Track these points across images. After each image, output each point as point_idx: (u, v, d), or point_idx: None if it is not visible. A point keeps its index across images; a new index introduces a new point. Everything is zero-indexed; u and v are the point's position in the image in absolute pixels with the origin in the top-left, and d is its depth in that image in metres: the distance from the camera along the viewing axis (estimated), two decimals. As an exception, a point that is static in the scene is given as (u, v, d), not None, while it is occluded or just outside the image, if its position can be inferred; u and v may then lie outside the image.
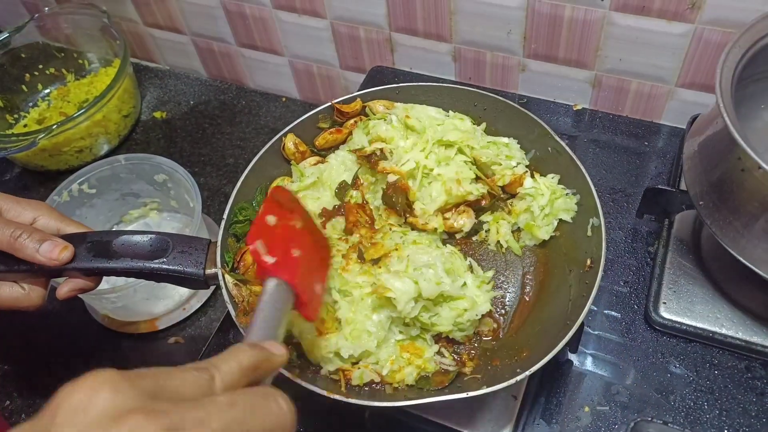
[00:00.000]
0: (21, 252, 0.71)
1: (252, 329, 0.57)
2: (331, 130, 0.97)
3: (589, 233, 0.83)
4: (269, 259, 0.63)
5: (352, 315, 0.77)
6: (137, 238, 0.78)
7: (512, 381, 0.69)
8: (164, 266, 0.77)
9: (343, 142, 0.98)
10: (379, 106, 0.97)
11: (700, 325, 0.91)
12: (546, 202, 0.87)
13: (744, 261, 0.80)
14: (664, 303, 0.93)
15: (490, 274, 0.85)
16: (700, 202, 0.84)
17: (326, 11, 1.25)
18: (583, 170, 0.86)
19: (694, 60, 1.04)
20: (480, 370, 0.80)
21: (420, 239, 0.85)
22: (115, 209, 1.21)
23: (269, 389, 0.44)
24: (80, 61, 1.46)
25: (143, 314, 1.10)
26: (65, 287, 0.78)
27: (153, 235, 0.79)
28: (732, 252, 0.81)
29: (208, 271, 0.78)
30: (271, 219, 0.67)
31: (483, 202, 0.90)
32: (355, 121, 0.97)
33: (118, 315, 1.11)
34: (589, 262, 0.80)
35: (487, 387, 0.69)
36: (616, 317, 0.96)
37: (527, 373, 0.69)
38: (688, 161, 0.88)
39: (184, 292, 1.12)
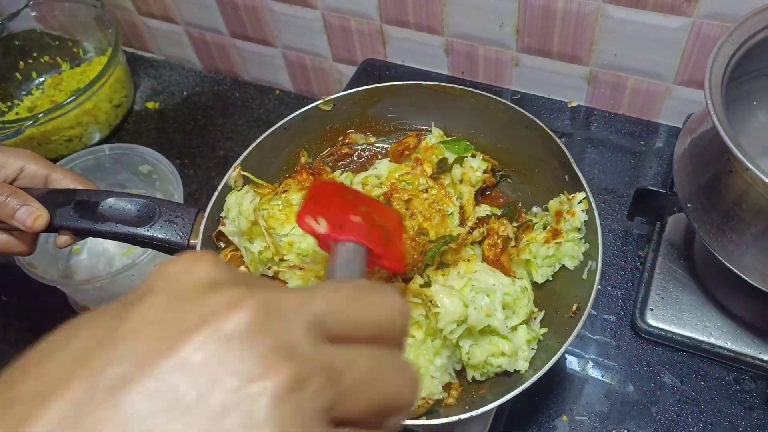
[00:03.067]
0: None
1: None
2: None
3: (585, 276, 0.77)
4: (321, 228, 0.60)
5: (415, 360, 0.71)
6: (125, 202, 0.78)
7: (455, 418, 0.65)
8: (149, 233, 0.78)
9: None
10: None
11: (687, 333, 0.87)
12: (552, 244, 0.80)
13: (732, 267, 0.76)
14: (651, 309, 0.89)
15: (542, 331, 0.76)
16: (689, 205, 0.80)
17: (317, 1, 1.22)
18: (596, 213, 0.78)
19: (692, 56, 1.00)
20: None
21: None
22: (100, 200, 1.20)
23: None
24: (75, 50, 1.45)
25: (122, 306, 1.08)
26: (61, 238, 0.80)
27: (141, 200, 0.79)
28: (720, 258, 0.76)
29: (192, 242, 0.79)
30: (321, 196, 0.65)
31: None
32: None
33: (97, 306, 1.10)
34: (574, 307, 0.74)
35: (437, 417, 0.67)
36: (605, 322, 0.92)
37: (473, 413, 0.65)
38: (678, 162, 0.84)
39: (165, 284, 1.10)
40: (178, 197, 1.04)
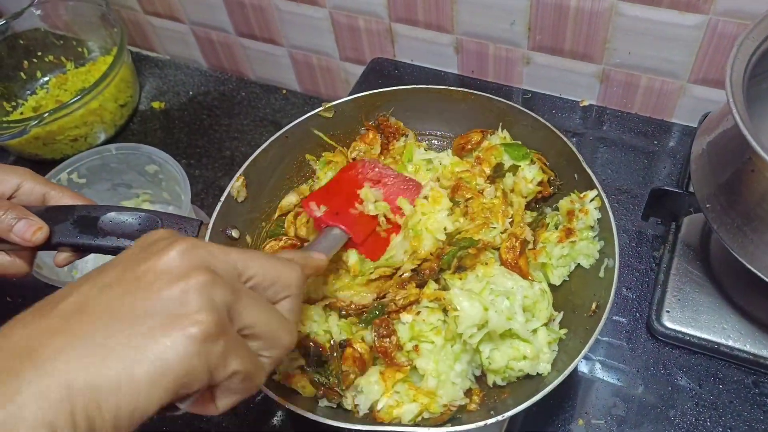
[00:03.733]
0: None
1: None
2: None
3: (602, 274, 0.76)
4: (317, 212, 0.79)
5: (434, 366, 0.69)
6: (126, 216, 0.75)
7: (481, 423, 0.64)
8: None
9: None
10: None
11: (705, 336, 0.85)
12: (566, 243, 0.79)
13: (752, 269, 0.74)
14: (668, 312, 0.88)
15: (563, 332, 0.75)
16: (707, 205, 0.79)
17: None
18: (609, 211, 0.78)
19: (707, 54, 0.98)
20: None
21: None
22: (106, 200, 1.18)
23: None
24: (80, 49, 1.44)
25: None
26: (60, 256, 0.77)
27: (143, 214, 0.76)
28: (740, 259, 0.75)
29: None
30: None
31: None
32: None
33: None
34: (594, 306, 0.73)
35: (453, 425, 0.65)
36: (618, 324, 0.91)
37: (499, 418, 0.64)
38: (696, 161, 0.82)
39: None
40: (185, 198, 1.03)
